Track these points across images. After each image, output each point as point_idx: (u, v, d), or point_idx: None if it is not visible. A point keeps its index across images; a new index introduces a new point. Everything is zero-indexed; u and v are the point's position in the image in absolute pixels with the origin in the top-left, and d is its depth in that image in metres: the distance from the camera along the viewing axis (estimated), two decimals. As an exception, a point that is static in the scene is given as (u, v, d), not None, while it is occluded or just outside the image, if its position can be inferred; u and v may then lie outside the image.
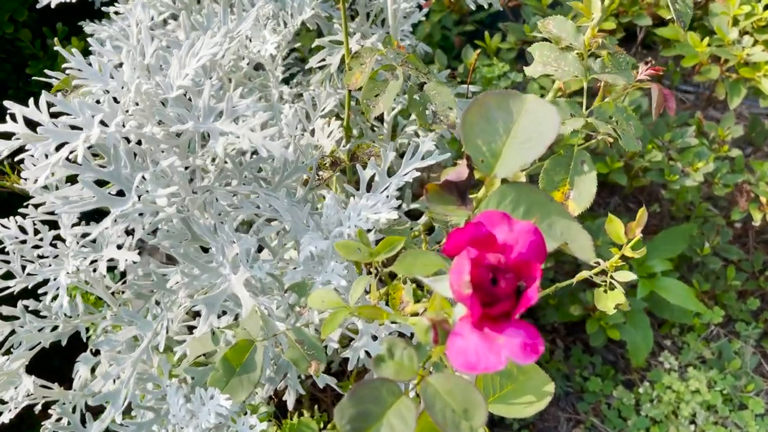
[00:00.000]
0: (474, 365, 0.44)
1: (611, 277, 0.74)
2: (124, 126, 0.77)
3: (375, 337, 0.87)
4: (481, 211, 0.60)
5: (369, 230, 0.85)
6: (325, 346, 0.82)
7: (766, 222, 1.72)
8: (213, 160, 1.06)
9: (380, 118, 1.24)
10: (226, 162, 0.94)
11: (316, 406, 1.26)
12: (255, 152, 0.98)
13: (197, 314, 0.88)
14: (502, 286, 0.46)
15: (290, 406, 1.00)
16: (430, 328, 0.48)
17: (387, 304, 0.90)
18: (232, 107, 0.73)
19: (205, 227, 0.80)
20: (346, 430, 0.49)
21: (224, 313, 0.90)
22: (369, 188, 0.88)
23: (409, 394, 0.53)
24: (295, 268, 0.82)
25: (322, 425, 1.26)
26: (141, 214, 0.90)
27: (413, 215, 1.39)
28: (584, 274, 0.74)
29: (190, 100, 0.80)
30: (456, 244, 0.47)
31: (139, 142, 0.82)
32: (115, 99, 0.79)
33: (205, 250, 0.95)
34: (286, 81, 1.33)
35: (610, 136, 0.91)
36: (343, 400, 0.50)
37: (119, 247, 0.92)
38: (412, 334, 0.92)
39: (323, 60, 1.15)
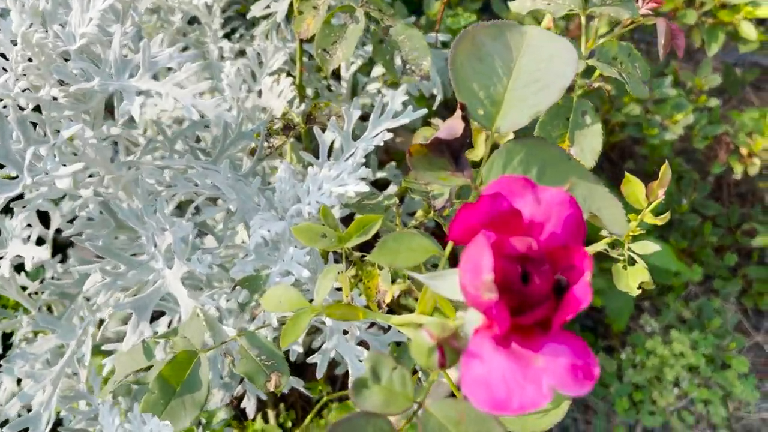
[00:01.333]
0: (504, 402, 0.30)
1: (629, 249, 0.61)
2: (13, 88, 0.60)
3: (346, 332, 0.74)
4: (485, 176, 0.46)
5: (333, 206, 0.71)
6: (287, 351, 0.67)
7: (746, 174, 1.63)
8: (145, 131, 0.90)
9: (337, 75, 1.08)
10: (158, 133, 0.78)
11: (282, 404, 1.12)
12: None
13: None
14: (537, 283, 0.32)
15: (250, 414, 0.86)
16: (435, 349, 0.34)
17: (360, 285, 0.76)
18: (150, 58, 0.57)
19: (130, 212, 0.65)
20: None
21: (162, 313, 0.74)
22: (330, 156, 0.73)
23: (403, 430, 0.39)
24: (245, 256, 0.67)
25: (290, 424, 1.13)
26: (57, 200, 0.73)
27: (378, 184, 1.24)
28: (599, 245, 0.61)
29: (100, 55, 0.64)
30: (467, 225, 0.33)
31: (38, 109, 0.65)
32: (2, 55, 0.62)
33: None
34: (227, 36, 1.15)
35: (607, 81, 0.78)
36: (316, 449, 0.36)
37: (30, 240, 0.75)
38: (389, 327, 0.78)
39: (268, 7, 0.98)
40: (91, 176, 0.76)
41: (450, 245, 0.47)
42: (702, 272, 1.74)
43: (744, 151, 1.62)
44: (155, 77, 0.69)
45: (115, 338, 0.80)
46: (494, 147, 0.48)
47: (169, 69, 0.74)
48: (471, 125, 0.46)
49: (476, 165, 0.72)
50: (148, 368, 0.63)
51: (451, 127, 0.45)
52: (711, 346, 1.67)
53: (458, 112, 0.45)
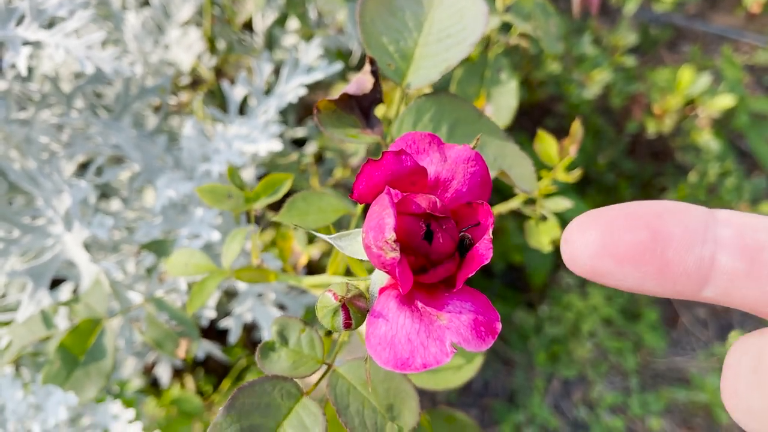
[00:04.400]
0: (407, 361, 0.30)
1: (541, 206, 0.62)
2: None
3: (261, 295, 0.72)
4: (395, 133, 0.45)
5: (245, 166, 0.68)
6: (198, 317, 0.65)
7: (658, 132, 1.69)
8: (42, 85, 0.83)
9: (252, 28, 1.04)
10: (54, 85, 0.73)
11: (201, 369, 1.10)
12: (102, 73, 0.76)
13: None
14: (441, 241, 0.31)
15: (164, 381, 0.83)
16: (339, 309, 0.33)
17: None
18: (37, 5, 0.53)
19: (23, 173, 0.60)
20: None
21: (65, 280, 0.70)
22: (245, 112, 0.70)
23: (312, 392, 0.38)
24: (152, 219, 0.64)
25: (212, 388, 1.11)
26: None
27: (300, 142, 1.22)
28: (514, 203, 0.62)
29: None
30: (371, 182, 0.32)
31: None
32: None
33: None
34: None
35: (525, 38, 0.78)
36: (217, 418, 0.35)
37: None
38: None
39: (174, -45, 0.92)
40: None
41: (362, 205, 0.46)
42: (616, 227, 1.81)
43: (657, 109, 1.67)
44: (50, 26, 0.64)
45: (16, 306, 0.75)
46: (407, 103, 0.46)
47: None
48: (381, 80, 0.45)
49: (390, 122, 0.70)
50: (48, 339, 0.60)
51: (361, 82, 0.44)
52: (624, 298, 1.75)
53: (367, 67, 0.44)
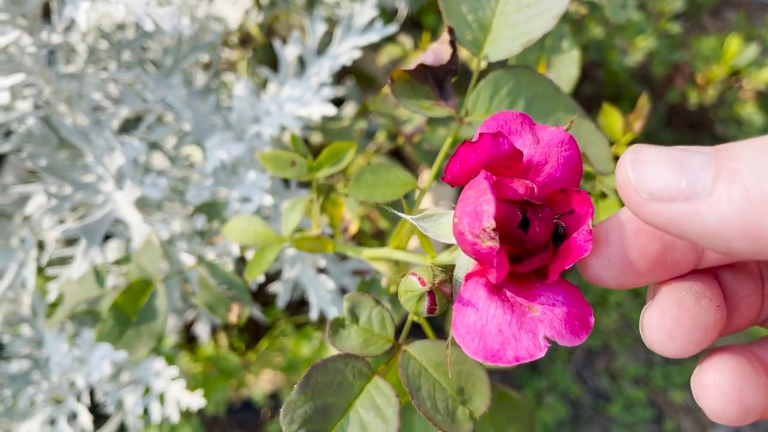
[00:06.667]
0: (498, 353, 0.29)
1: (601, 183, 0.60)
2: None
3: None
4: (471, 107, 0.43)
5: (293, 128, 0.67)
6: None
7: (699, 103, 1.65)
8: (84, 37, 0.82)
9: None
10: (104, 38, 0.71)
11: (235, 327, 1.11)
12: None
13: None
14: (537, 230, 0.30)
15: (204, 339, 0.83)
16: (425, 295, 0.32)
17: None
18: (96, -43, 0.51)
19: (75, 129, 0.59)
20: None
21: (110, 236, 0.70)
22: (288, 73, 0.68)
23: (382, 371, 0.37)
24: (201, 180, 0.63)
25: (245, 346, 1.12)
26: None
27: (336, 102, 1.19)
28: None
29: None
30: (466, 165, 0.31)
31: (-35, 10, 0.58)
32: None
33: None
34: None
35: (585, 2, 0.75)
36: (292, 396, 0.34)
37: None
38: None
39: None
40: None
41: (430, 179, 0.44)
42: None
43: (700, 79, 1.62)
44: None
45: (58, 261, 0.75)
46: (481, 74, 0.44)
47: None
48: (458, 51, 0.43)
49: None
50: (99, 296, 0.60)
51: (438, 52, 0.42)
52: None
53: (445, 36, 0.42)
